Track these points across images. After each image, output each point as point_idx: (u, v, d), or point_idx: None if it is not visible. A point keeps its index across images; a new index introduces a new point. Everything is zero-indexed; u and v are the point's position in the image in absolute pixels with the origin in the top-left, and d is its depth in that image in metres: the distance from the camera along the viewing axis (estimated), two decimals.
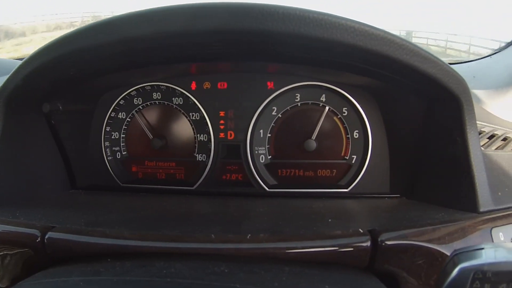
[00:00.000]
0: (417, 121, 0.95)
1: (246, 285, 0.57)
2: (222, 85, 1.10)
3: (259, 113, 1.09)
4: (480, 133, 0.92)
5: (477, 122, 0.82)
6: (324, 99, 1.08)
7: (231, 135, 1.11)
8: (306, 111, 1.09)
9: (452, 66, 0.77)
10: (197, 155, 1.14)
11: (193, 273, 0.61)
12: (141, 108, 1.15)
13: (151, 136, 1.13)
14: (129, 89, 1.13)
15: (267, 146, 1.11)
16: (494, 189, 0.82)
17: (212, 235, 0.68)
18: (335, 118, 1.09)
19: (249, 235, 0.68)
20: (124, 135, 1.17)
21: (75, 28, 0.76)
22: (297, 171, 1.11)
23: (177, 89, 1.11)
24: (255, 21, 0.68)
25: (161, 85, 1.12)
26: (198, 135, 1.13)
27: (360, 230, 0.70)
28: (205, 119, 1.10)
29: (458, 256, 0.52)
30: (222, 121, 1.11)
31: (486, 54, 1.36)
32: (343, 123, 1.08)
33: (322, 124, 1.08)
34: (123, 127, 1.16)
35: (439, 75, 0.75)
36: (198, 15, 0.69)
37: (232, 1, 0.70)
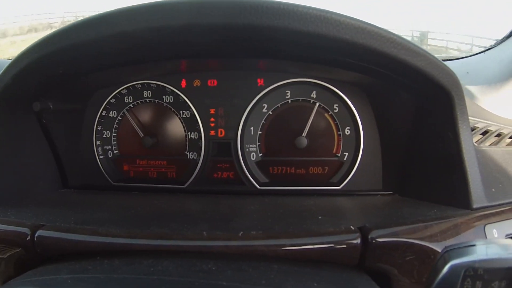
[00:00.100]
0: (409, 117, 0.94)
1: (232, 282, 0.57)
2: (212, 83, 1.09)
3: (250, 110, 1.08)
4: (473, 129, 0.91)
5: (471, 118, 0.82)
6: (314, 96, 1.07)
7: (221, 133, 1.10)
8: (297, 108, 1.08)
9: (445, 62, 0.77)
10: (188, 153, 1.13)
11: (180, 271, 0.60)
12: (132, 106, 1.14)
13: (142, 135, 1.13)
14: (120, 87, 1.12)
15: (258, 144, 1.11)
16: (487, 185, 0.81)
17: (204, 232, 0.68)
18: (326, 115, 1.08)
19: (241, 232, 0.67)
20: (115, 134, 1.16)
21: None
22: (288, 168, 1.10)
23: (168, 87, 1.10)
24: (247, 17, 0.67)
25: (152, 83, 1.11)
26: (189, 133, 1.12)
27: (350, 227, 0.69)
28: (196, 117, 1.09)
29: (449, 253, 0.51)
30: (212, 119, 1.10)
31: (480, 51, 1.36)
32: (334, 120, 1.08)
33: (313, 121, 1.07)
34: (114, 125, 1.16)
35: (429, 69, 0.74)
36: (200, 9, 0.69)
37: None
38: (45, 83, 0.92)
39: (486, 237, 0.75)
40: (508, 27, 1.29)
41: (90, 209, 0.89)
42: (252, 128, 1.09)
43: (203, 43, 0.82)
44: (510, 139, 0.97)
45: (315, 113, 1.07)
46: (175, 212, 0.88)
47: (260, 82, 1.07)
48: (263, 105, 1.08)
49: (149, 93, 1.13)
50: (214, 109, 1.09)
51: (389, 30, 0.69)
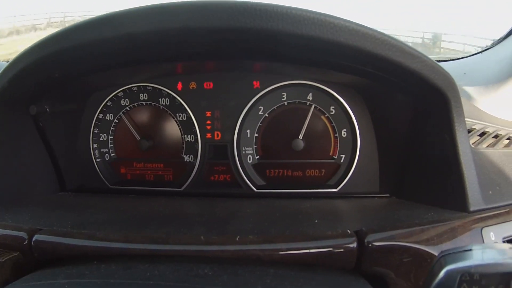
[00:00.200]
0: (406, 119, 0.94)
1: (228, 287, 0.57)
2: (208, 85, 1.09)
3: (246, 112, 1.07)
4: (471, 131, 0.91)
5: (468, 119, 0.82)
6: (311, 98, 1.07)
7: (218, 136, 1.10)
8: (293, 110, 1.08)
9: (442, 63, 0.77)
10: (184, 156, 1.13)
11: (176, 276, 0.60)
12: (129, 109, 1.14)
13: (138, 137, 1.12)
14: (116, 90, 1.12)
15: (254, 146, 1.10)
16: (484, 188, 0.81)
17: (202, 236, 0.67)
18: (322, 117, 1.08)
19: (238, 236, 0.67)
20: (112, 137, 1.16)
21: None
22: (285, 171, 1.10)
23: (164, 90, 1.10)
24: (242, 20, 0.67)
25: (148, 86, 1.11)
26: (185, 135, 1.12)
27: (347, 231, 0.68)
28: (192, 119, 1.09)
29: (445, 258, 0.51)
30: (208, 122, 1.09)
31: (477, 51, 1.36)
32: (330, 122, 1.07)
33: (309, 123, 1.06)
34: (111, 128, 1.15)
35: (424, 71, 0.74)
36: (194, 13, 0.69)
37: (225, 0, 0.69)
38: (42, 86, 0.92)
39: (483, 240, 0.74)
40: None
41: (87, 212, 0.89)
42: (248, 131, 1.09)
43: (200, 46, 0.82)
44: (507, 141, 0.97)
45: (311, 115, 1.06)
46: (172, 215, 0.88)
47: (256, 84, 1.07)
48: (259, 107, 1.08)
49: (145, 95, 1.12)
50: (210, 112, 1.09)
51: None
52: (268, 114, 1.09)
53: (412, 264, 0.68)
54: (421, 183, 0.91)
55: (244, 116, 1.08)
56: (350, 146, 1.07)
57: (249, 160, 1.10)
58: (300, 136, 1.06)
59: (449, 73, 0.78)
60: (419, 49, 0.72)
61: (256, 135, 1.10)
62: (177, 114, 1.12)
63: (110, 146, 1.16)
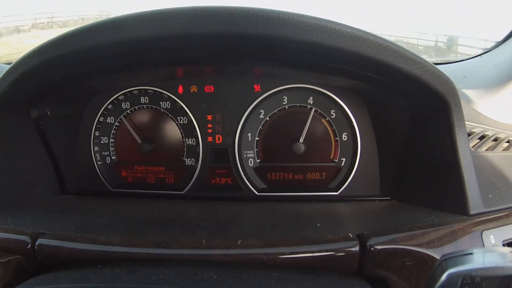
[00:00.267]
0: (406, 123, 0.95)
1: None
2: (209, 89, 1.09)
3: (247, 116, 1.08)
4: (470, 134, 0.92)
5: (468, 122, 0.82)
6: (311, 102, 1.07)
7: (219, 139, 1.10)
8: (294, 114, 1.09)
9: (442, 66, 0.77)
10: (186, 159, 1.13)
11: (181, 280, 0.61)
12: (129, 112, 1.14)
13: (139, 141, 1.13)
14: (117, 93, 1.12)
15: (255, 150, 1.11)
16: (484, 191, 0.81)
17: (204, 241, 0.67)
18: (323, 120, 1.08)
19: (240, 240, 0.67)
20: (113, 140, 1.16)
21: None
22: (286, 174, 1.11)
23: (165, 93, 1.10)
24: (244, 26, 0.67)
25: (149, 89, 1.11)
26: (187, 139, 1.13)
27: (349, 234, 0.69)
28: (193, 123, 1.09)
29: (446, 261, 0.51)
30: (209, 125, 1.10)
31: (476, 54, 1.37)
32: (331, 126, 1.08)
33: (310, 126, 1.07)
34: (112, 131, 1.15)
35: (426, 77, 0.74)
36: (196, 18, 0.69)
37: (226, 5, 0.69)
38: (42, 90, 0.92)
39: (483, 243, 0.75)
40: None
41: (89, 215, 0.90)
42: (249, 134, 1.10)
43: (201, 51, 0.82)
44: (507, 144, 0.97)
45: (312, 119, 1.07)
46: (174, 219, 0.88)
47: (257, 88, 1.07)
48: (260, 111, 1.08)
49: (146, 99, 1.13)
50: (211, 115, 1.09)
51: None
52: (269, 117, 1.09)
53: (413, 267, 0.69)
54: (421, 186, 0.91)
55: (245, 120, 1.08)
56: (350, 150, 1.07)
57: (250, 163, 1.11)
58: (301, 140, 1.06)
59: (449, 76, 0.78)
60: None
61: (257, 138, 1.10)
62: (178, 118, 1.12)
63: (111, 149, 1.16)
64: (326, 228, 0.76)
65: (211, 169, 1.11)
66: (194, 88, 1.09)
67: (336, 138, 1.08)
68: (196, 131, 1.10)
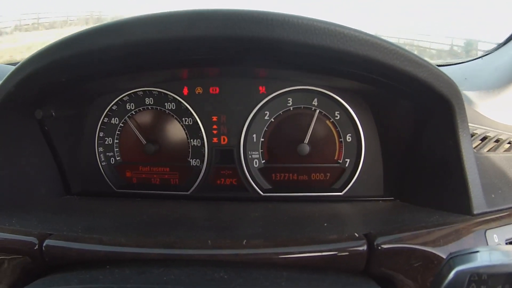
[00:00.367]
0: (410, 125, 0.96)
1: None
2: (214, 90, 1.10)
3: (252, 117, 1.09)
4: (472, 135, 0.93)
5: (470, 124, 0.83)
6: (316, 103, 1.08)
7: (224, 140, 1.11)
8: (299, 115, 1.10)
9: (444, 67, 0.78)
10: (191, 160, 1.14)
11: (192, 280, 0.61)
12: (134, 113, 1.15)
13: (144, 142, 1.13)
14: (122, 94, 1.13)
15: (260, 151, 1.11)
16: (487, 191, 0.83)
17: (209, 241, 0.68)
18: (327, 122, 1.09)
19: (245, 240, 0.68)
20: (117, 141, 1.16)
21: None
22: (291, 175, 1.11)
23: (170, 94, 1.11)
24: (254, 29, 0.69)
25: (154, 90, 1.12)
26: (192, 140, 1.13)
27: (355, 234, 0.70)
28: (198, 124, 1.10)
29: (453, 259, 0.53)
30: (215, 126, 1.11)
31: (477, 56, 1.38)
32: (335, 127, 1.09)
33: (315, 128, 1.08)
34: (117, 132, 1.16)
35: (431, 80, 0.76)
36: (198, 20, 0.70)
37: (229, 8, 0.71)
38: (48, 91, 0.92)
39: (487, 242, 0.76)
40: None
41: (95, 216, 0.90)
42: (254, 135, 1.10)
43: (209, 53, 0.83)
44: (508, 145, 0.98)
45: (317, 120, 1.08)
46: (180, 220, 0.89)
47: (262, 89, 1.08)
48: (265, 112, 1.09)
49: (151, 100, 1.13)
50: (216, 117, 1.10)
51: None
52: (274, 119, 1.10)
53: (419, 265, 0.70)
54: (425, 186, 0.92)
55: (250, 121, 1.09)
56: (354, 151, 1.08)
57: (255, 164, 1.12)
58: (306, 141, 1.07)
59: (451, 78, 0.79)
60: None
61: (262, 139, 1.11)
62: (183, 119, 1.12)
63: (115, 150, 1.16)
64: (332, 228, 0.77)
65: (216, 170, 1.12)
66: (199, 90, 1.10)
67: (340, 139, 1.09)
68: (201, 132, 1.10)
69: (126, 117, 1.14)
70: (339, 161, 1.10)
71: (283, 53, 0.78)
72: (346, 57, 0.73)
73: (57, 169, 1.06)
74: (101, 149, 1.15)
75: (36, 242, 0.70)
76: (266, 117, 1.10)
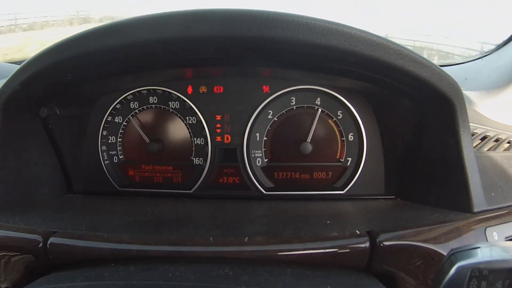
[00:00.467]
0: (411, 124, 0.97)
1: (252, 287, 0.59)
2: (218, 89, 1.11)
3: (255, 116, 1.09)
4: (472, 135, 0.94)
5: (470, 123, 0.84)
6: (319, 103, 1.09)
7: (227, 139, 1.11)
8: (302, 115, 1.10)
9: (444, 68, 0.79)
10: (194, 158, 1.14)
11: (198, 276, 0.62)
12: (138, 112, 1.15)
13: (147, 140, 1.13)
14: (126, 93, 1.13)
15: (263, 149, 1.12)
16: (487, 190, 0.84)
17: (211, 238, 0.69)
18: (330, 121, 1.10)
19: (247, 237, 0.69)
20: (120, 139, 1.17)
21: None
22: (293, 173, 1.12)
23: (174, 93, 1.12)
24: (262, 29, 0.70)
25: (158, 89, 1.12)
26: (195, 138, 1.14)
27: (358, 231, 0.71)
28: (202, 123, 1.11)
29: (455, 255, 0.53)
30: (218, 125, 1.11)
31: (478, 56, 1.39)
32: (338, 126, 1.10)
33: (317, 127, 1.09)
34: (120, 131, 1.16)
35: (433, 79, 0.77)
36: (200, 20, 0.71)
37: (230, 8, 0.71)
38: (52, 89, 0.93)
39: (487, 240, 0.77)
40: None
41: (98, 214, 0.90)
42: (257, 134, 1.11)
43: (211, 53, 0.84)
44: (507, 144, 0.99)
45: (319, 120, 1.09)
46: (184, 218, 0.89)
47: (265, 89, 1.09)
48: (269, 111, 1.10)
49: (155, 99, 1.14)
50: (220, 115, 1.11)
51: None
52: (277, 118, 1.11)
53: (420, 262, 0.71)
54: (425, 185, 0.93)
55: (253, 120, 1.09)
56: (356, 150, 1.09)
57: (258, 163, 1.12)
58: (308, 140, 1.08)
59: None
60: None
61: (265, 138, 1.12)
62: (187, 118, 1.13)
63: (118, 148, 1.17)
64: (335, 225, 0.78)
65: (219, 169, 1.12)
66: (203, 89, 1.11)
67: (342, 138, 1.10)
68: (205, 131, 1.11)
69: (130, 116, 1.15)
70: (341, 160, 1.11)
71: (288, 53, 0.79)
72: (352, 57, 0.74)
73: (60, 168, 1.07)
74: (104, 147, 1.16)
75: (41, 240, 0.70)
76: (269, 116, 1.11)
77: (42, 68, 0.80)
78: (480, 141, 0.96)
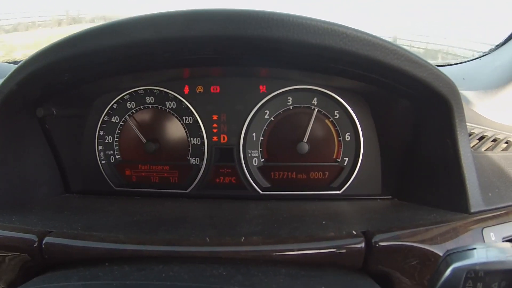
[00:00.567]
0: (408, 124, 0.96)
1: (245, 287, 0.58)
2: (215, 89, 1.11)
3: (252, 116, 1.09)
4: (470, 135, 0.93)
5: (467, 123, 0.84)
6: (316, 103, 1.09)
7: (224, 139, 1.11)
8: (298, 114, 1.10)
9: (442, 68, 0.79)
10: (190, 158, 1.14)
11: (192, 276, 0.61)
12: (134, 112, 1.15)
13: (144, 140, 1.13)
14: (122, 93, 1.13)
15: (260, 149, 1.12)
16: (484, 190, 0.83)
17: (207, 238, 0.69)
18: (327, 121, 1.10)
19: (243, 237, 0.69)
20: (117, 139, 1.17)
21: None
22: (290, 173, 1.12)
23: (170, 93, 1.11)
24: (259, 29, 0.69)
25: (154, 89, 1.12)
26: (192, 138, 1.14)
27: (353, 232, 0.70)
28: (198, 122, 1.11)
29: (450, 256, 0.53)
30: (215, 125, 1.11)
31: (476, 56, 1.39)
32: (334, 126, 1.09)
33: (314, 127, 1.08)
34: (117, 131, 1.16)
35: (430, 79, 0.76)
36: (197, 20, 0.71)
37: (225, 8, 0.71)
38: (49, 89, 0.93)
39: (484, 240, 0.77)
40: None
41: (94, 214, 0.90)
42: (254, 134, 1.11)
43: (208, 53, 0.84)
44: (505, 144, 0.99)
45: (316, 120, 1.08)
46: (180, 218, 0.89)
47: (262, 89, 1.09)
48: (265, 111, 1.10)
49: (151, 99, 1.14)
50: (216, 115, 1.11)
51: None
52: (273, 117, 1.11)
53: (416, 263, 0.71)
54: (422, 185, 0.93)
55: (250, 120, 1.09)
56: (353, 150, 1.09)
57: (255, 162, 1.12)
58: (305, 140, 1.08)
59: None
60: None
61: (262, 138, 1.11)
62: (184, 117, 1.13)
63: (115, 148, 1.17)
64: (331, 226, 0.77)
65: (216, 168, 1.12)
66: (200, 89, 1.11)
67: (339, 138, 1.10)
68: (202, 131, 1.11)
69: (127, 115, 1.15)
70: (337, 159, 1.10)
71: (284, 52, 0.78)
72: (347, 57, 0.74)
73: (57, 168, 1.07)
74: (101, 147, 1.16)
75: (36, 239, 0.70)
76: (266, 116, 1.10)
77: (39, 68, 0.80)
78: (477, 141, 0.96)
